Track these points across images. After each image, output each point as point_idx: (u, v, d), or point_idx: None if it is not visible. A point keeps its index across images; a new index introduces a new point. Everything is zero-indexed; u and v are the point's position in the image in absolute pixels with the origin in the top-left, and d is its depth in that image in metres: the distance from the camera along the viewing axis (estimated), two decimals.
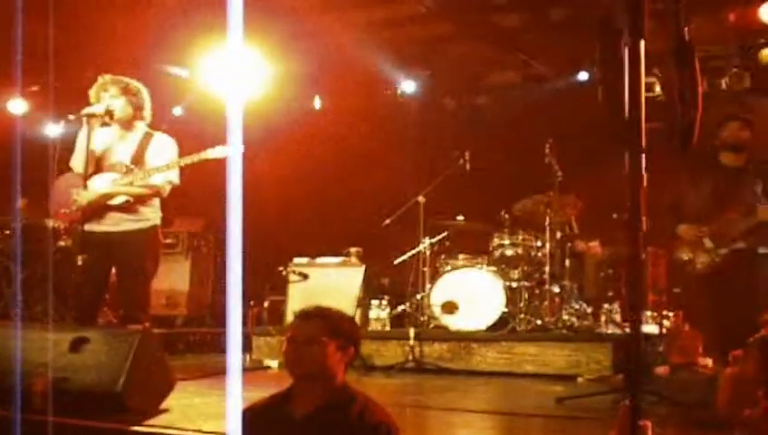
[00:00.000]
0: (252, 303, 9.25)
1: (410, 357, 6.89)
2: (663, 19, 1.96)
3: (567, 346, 6.62)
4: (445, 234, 8.13)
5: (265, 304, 8.99)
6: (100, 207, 5.38)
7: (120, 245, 5.40)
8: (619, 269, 8.17)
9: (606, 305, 7.61)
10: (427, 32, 9.62)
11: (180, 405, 4.54)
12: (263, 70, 8.16)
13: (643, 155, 1.81)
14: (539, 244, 7.77)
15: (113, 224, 5.41)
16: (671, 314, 6.94)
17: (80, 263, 5.13)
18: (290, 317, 7.61)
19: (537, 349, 6.72)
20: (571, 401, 5.11)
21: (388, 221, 7.83)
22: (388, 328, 7.95)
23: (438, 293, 7.54)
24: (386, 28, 9.57)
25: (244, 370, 6.28)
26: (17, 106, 10.05)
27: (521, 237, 7.84)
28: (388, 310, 8.08)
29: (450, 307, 7.44)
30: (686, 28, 1.92)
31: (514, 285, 7.59)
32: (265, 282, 9.16)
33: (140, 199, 5.45)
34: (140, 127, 5.60)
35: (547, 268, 7.47)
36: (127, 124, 5.55)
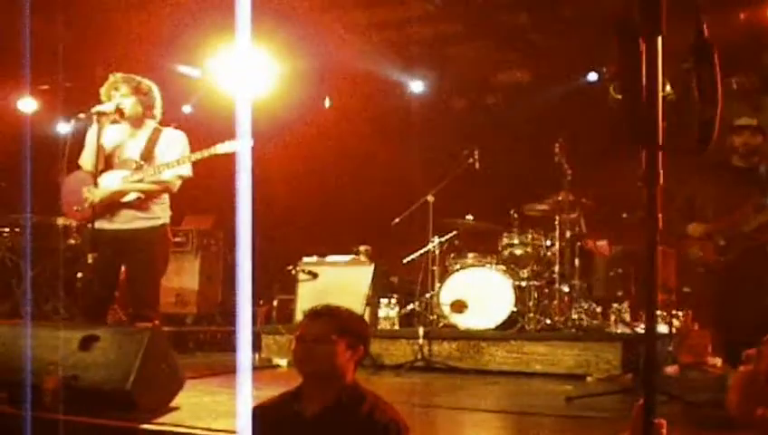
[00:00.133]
0: (261, 301, 9.27)
1: (419, 356, 6.88)
2: (681, 15, 1.96)
3: (576, 345, 6.60)
4: (454, 233, 8.12)
5: (275, 303, 9.01)
6: (111, 205, 5.40)
7: (130, 243, 5.42)
8: (629, 268, 8.17)
9: (615, 305, 7.62)
10: (436, 31, 9.62)
11: (190, 403, 4.55)
12: (272, 69, 8.17)
13: (661, 153, 1.80)
14: (548, 243, 7.77)
15: (124, 222, 5.43)
16: (681, 313, 6.92)
17: (90, 261, 5.15)
18: (299, 316, 7.66)
19: (546, 348, 6.70)
20: (580, 400, 5.10)
21: (397, 220, 7.82)
22: (397, 327, 7.96)
23: (447, 292, 7.54)
24: (396, 28, 9.59)
25: (254, 368, 6.31)
26: (27, 105, 10.09)
27: (530, 236, 7.84)
28: (397, 309, 8.09)
29: (459, 306, 7.43)
30: (705, 24, 1.91)
31: (524, 284, 7.57)
32: (274, 280, 9.18)
33: (151, 196, 5.46)
34: (150, 124, 5.61)
35: (556, 267, 7.45)
36: (137, 122, 5.56)
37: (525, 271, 7.69)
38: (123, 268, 5.60)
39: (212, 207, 9.67)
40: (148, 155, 5.49)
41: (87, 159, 5.47)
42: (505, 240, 7.92)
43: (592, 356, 6.48)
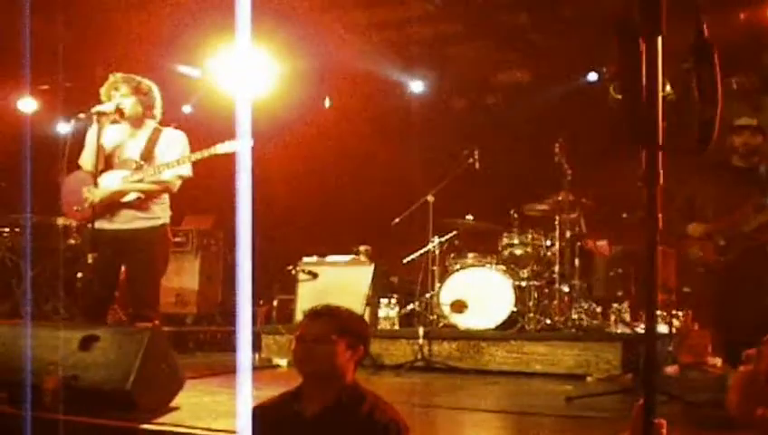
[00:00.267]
0: (261, 301, 9.27)
1: (419, 356, 6.88)
2: (681, 15, 1.96)
3: (576, 345, 6.60)
4: (454, 233, 8.12)
5: (275, 303, 9.01)
6: (111, 205, 5.40)
7: (130, 243, 5.42)
8: (629, 268, 8.17)
9: (615, 305, 7.61)
10: (436, 31, 9.62)
11: (190, 403, 4.55)
12: (272, 69, 8.17)
13: (661, 153, 1.80)
14: (548, 243, 7.77)
15: (124, 222, 5.43)
16: (681, 313, 6.92)
17: (90, 261, 5.15)
18: (299, 316, 7.66)
19: (546, 348, 6.70)
20: (580, 400, 5.10)
21: (397, 220, 7.82)
22: (397, 327, 7.96)
23: (447, 292, 7.54)
24: (396, 28, 9.59)
25: (254, 368, 6.31)
26: (27, 105, 10.09)
27: (530, 236, 7.85)
28: (397, 309, 8.09)
29: (459, 306, 7.44)
30: (705, 23, 1.92)
31: (524, 284, 7.57)
32: (274, 280, 9.17)
33: (151, 196, 5.46)
34: (150, 124, 5.61)
35: (556, 267, 7.45)
36: (137, 122, 5.56)
37: (525, 271, 7.69)
38: (123, 268, 5.60)
39: (212, 207, 9.67)
40: (148, 155, 5.49)
41: (87, 159, 5.47)
42: (505, 240, 7.93)
43: (592, 356, 6.48)
